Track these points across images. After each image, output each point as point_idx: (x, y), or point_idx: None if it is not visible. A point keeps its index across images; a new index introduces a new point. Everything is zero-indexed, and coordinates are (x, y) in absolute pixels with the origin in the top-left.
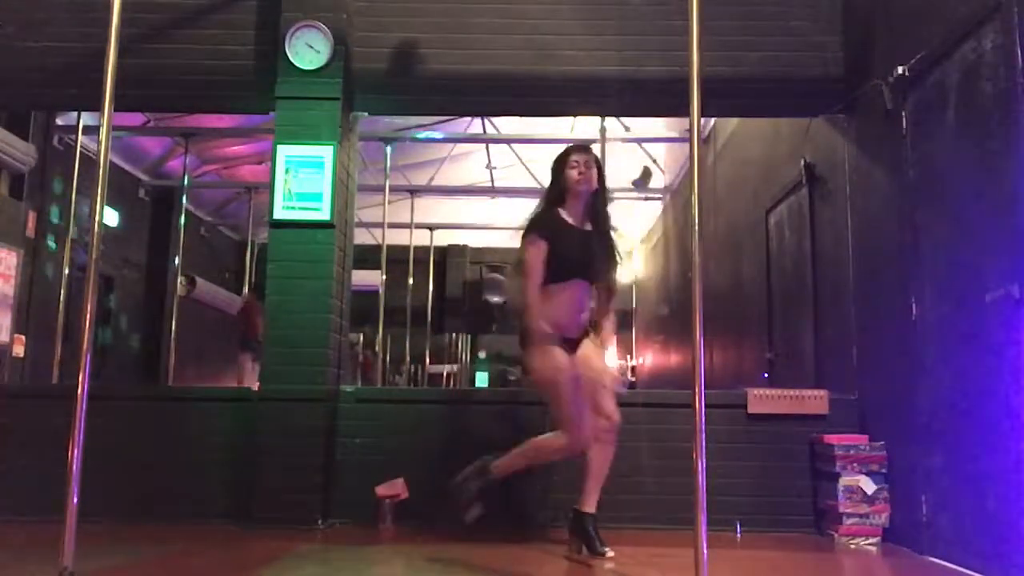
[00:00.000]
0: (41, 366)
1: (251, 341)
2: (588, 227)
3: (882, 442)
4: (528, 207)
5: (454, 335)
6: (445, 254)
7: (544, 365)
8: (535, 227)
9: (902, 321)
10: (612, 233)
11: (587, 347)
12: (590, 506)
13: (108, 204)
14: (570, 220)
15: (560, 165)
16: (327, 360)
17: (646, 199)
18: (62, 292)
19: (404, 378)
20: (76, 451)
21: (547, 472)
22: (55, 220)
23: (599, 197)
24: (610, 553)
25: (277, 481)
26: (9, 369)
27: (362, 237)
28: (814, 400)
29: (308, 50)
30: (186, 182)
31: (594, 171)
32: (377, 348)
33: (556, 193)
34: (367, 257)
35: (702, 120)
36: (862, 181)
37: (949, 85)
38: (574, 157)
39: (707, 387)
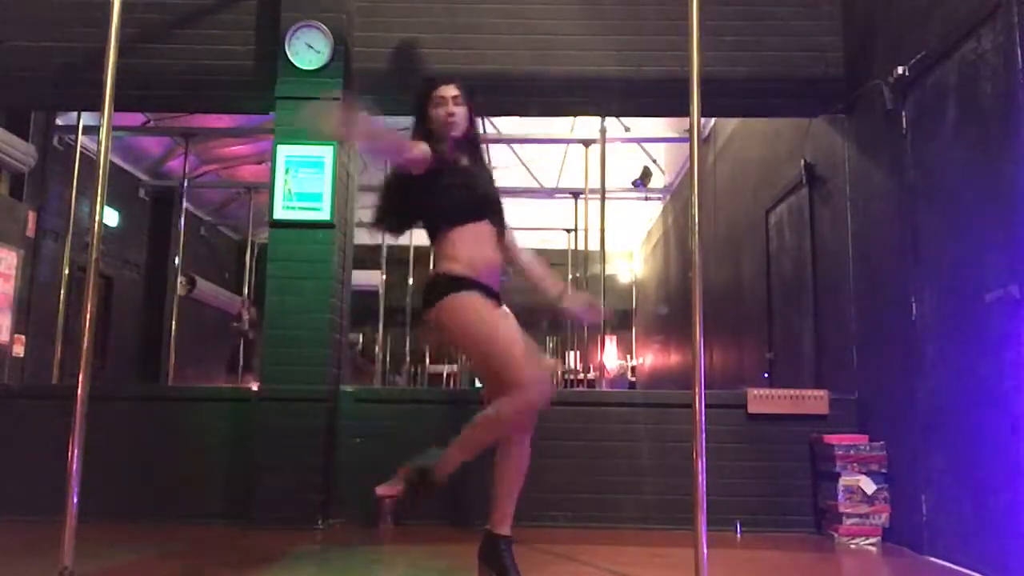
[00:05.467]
0: (41, 366)
1: None
2: (465, 163)
3: (882, 442)
4: (528, 207)
5: None
6: None
7: (464, 316)
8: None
9: (902, 321)
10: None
11: (509, 317)
12: (504, 527)
13: (108, 204)
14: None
15: (424, 102)
16: (327, 360)
17: (646, 199)
18: (62, 292)
19: (404, 378)
20: (76, 451)
21: (548, 471)
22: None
23: (471, 137)
24: None
25: (277, 481)
26: (9, 369)
27: (362, 237)
28: (814, 400)
29: (308, 50)
30: (186, 182)
31: (463, 109)
32: (377, 350)
33: (421, 136)
34: (367, 257)
35: (702, 120)
36: (862, 181)
37: (949, 85)
38: (439, 93)
39: (707, 387)
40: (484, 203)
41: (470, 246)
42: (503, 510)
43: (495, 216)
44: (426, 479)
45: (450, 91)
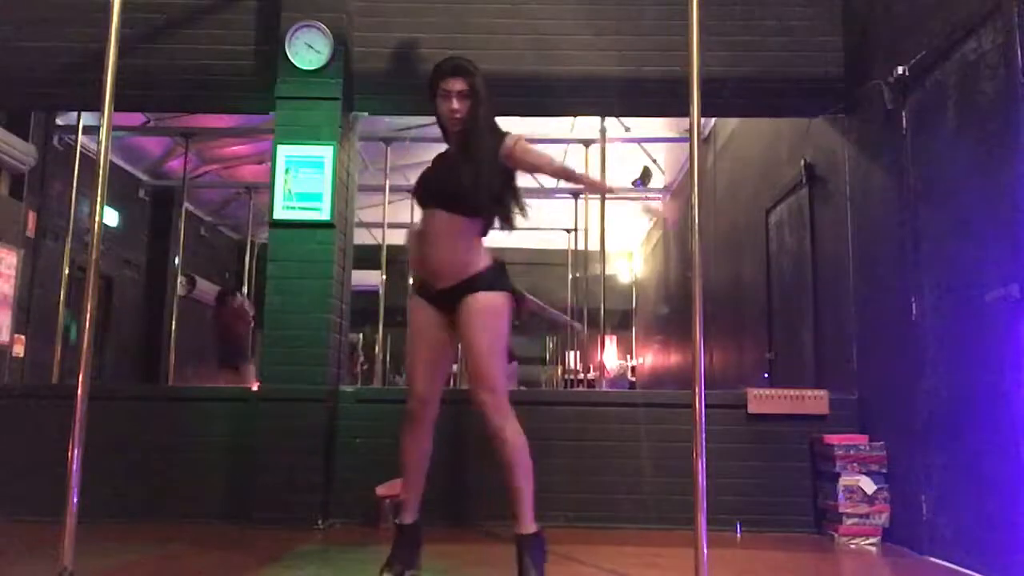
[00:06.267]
0: (41, 366)
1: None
2: (451, 151)
3: (882, 442)
4: (528, 207)
5: None
6: None
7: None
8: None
9: (902, 321)
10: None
11: (464, 312)
12: (521, 526)
13: (108, 204)
14: (450, 149)
15: (432, 89)
16: (327, 360)
17: (646, 199)
18: (62, 292)
19: (404, 378)
20: (76, 451)
21: (548, 471)
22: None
23: (474, 126)
24: None
25: (277, 481)
26: (9, 369)
27: (362, 237)
28: (814, 400)
29: (308, 50)
30: (186, 182)
31: (467, 103)
32: (377, 350)
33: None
34: (367, 257)
35: (702, 120)
36: (862, 181)
37: (949, 85)
38: (445, 85)
39: (707, 387)
40: (435, 192)
41: (421, 240)
42: (513, 509)
43: (450, 203)
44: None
45: (456, 84)
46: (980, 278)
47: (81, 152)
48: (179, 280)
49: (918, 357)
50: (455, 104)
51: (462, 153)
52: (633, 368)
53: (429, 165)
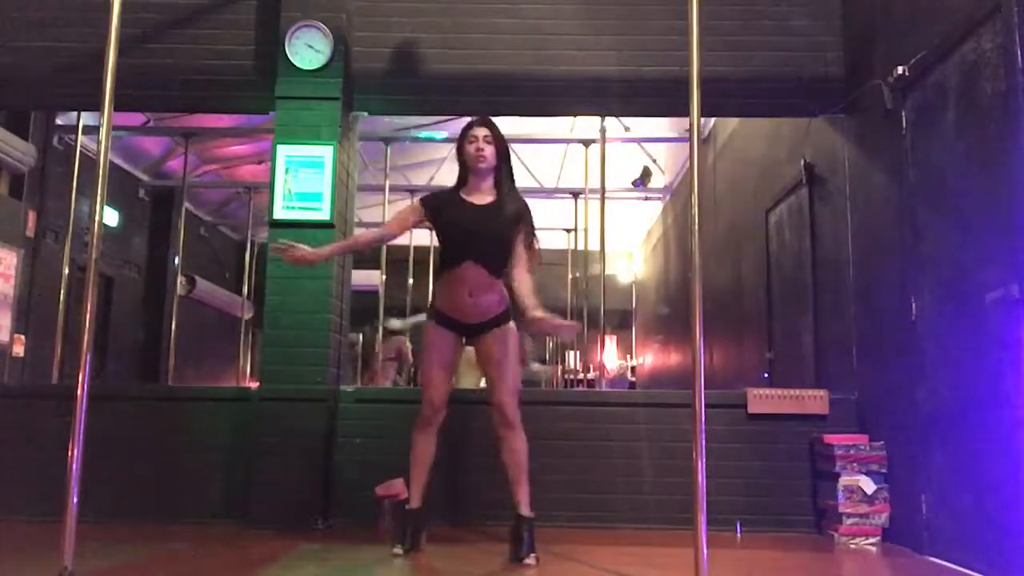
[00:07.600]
0: (41, 366)
1: None
2: (489, 200)
3: (882, 442)
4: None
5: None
6: None
7: (424, 339)
8: (424, 197)
9: (902, 321)
10: (519, 205)
11: (492, 340)
12: (521, 507)
13: (108, 204)
14: (468, 199)
15: (460, 140)
16: (327, 360)
17: (646, 199)
18: (62, 292)
19: (404, 378)
20: (76, 451)
21: (548, 471)
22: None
23: (501, 172)
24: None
25: (277, 481)
26: (9, 369)
27: None
28: (814, 400)
29: (308, 50)
30: (186, 182)
31: (491, 148)
32: (377, 350)
33: (460, 169)
34: (367, 257)
35: (702, 120)
36: (862, 181)
37: (949, 85)
38: (472, 132)
39: (707, 387)
40: (468, 246)
41: (447, 289)
42: (516, 494)
43: (480, 256)
44: (401, 511)
45: (482, 132)
46: (980, 278)
47: (81, 152)
48: (179, 280)
49: (918, 357)
50: (481, 144)
51: (498, 196)
52: (633, 368)
53: (446, 209)
